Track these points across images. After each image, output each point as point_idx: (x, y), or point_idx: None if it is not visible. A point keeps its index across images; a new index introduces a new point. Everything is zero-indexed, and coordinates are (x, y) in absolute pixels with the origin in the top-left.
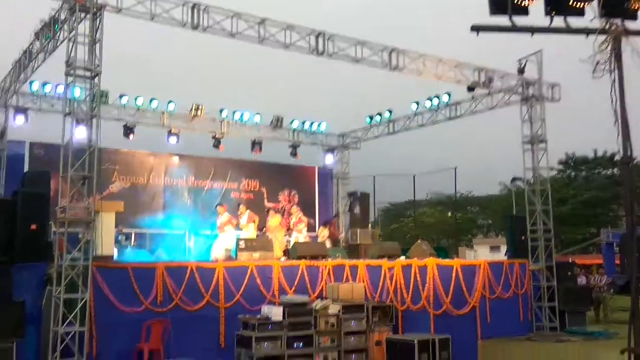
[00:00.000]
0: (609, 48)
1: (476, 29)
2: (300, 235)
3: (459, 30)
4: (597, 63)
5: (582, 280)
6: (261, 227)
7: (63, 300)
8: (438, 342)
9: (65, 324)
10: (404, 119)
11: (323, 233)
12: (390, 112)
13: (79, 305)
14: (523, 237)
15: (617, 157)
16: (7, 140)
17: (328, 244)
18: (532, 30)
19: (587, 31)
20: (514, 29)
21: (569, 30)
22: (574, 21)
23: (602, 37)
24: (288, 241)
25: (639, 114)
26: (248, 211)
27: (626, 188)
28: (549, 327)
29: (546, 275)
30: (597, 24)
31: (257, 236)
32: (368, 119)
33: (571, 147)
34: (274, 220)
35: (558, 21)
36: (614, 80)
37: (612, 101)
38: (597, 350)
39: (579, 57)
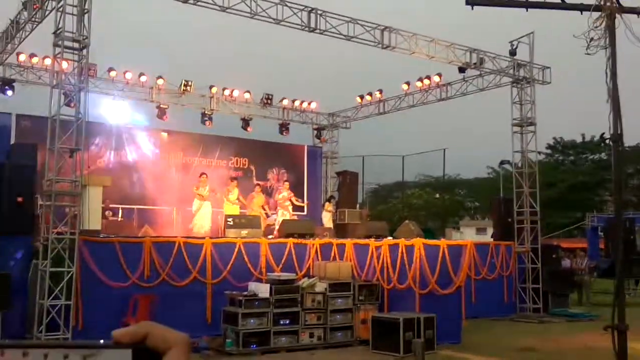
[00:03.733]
0: (603, 25)
1: (471, 3)
2: (287, 212)
3: (451, 10)
4: (591, 39)
5: (566, 263)
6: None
7: (49, 273)
8: (423, 320)
9: (51, 297)
10: (394, 99)
11: (329, 209)
12: (380, 91)
13: (65, 279)
14: (510, 219)
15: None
16: None
17: (329, 220)
18: (527, 5)
19: (581, 7)
20: (508, 3)
21: (564, 6)
22: None
23: (596, 14)
24: (274, 220)
25: (629, 92)
26: (236, 189)
27: (616, 166)
28: (532, 309)
29: (531, 258)
30: (592, 0)
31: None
32: (358, 99)
33: (559, 132)
34: (258, 199)
35: None
36: (609, 57)
37: (606, 77)
38: (579, 330)
39: (572, 34)
